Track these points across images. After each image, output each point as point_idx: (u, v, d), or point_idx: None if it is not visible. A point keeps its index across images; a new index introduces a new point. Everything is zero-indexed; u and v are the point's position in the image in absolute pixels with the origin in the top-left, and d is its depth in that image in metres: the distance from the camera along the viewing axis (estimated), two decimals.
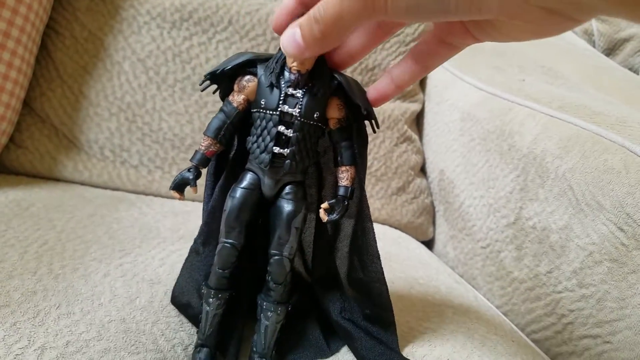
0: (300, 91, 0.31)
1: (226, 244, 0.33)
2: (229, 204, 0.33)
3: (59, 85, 0.62)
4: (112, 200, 0.56)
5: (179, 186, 0.33)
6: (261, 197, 0.33)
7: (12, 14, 0.52)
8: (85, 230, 0.46)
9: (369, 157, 0.73)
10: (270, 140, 0.31)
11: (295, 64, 0.30)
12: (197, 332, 0.34)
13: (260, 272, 0.35)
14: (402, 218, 0.75)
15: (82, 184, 0.60)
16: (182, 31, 0.66)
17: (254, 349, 0.34)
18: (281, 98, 0.31)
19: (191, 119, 0.65)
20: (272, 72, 0.31)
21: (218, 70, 0.32)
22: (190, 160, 0.33)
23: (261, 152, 0.32)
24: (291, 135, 0.31)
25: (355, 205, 0.35)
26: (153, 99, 0.64)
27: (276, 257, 0.33)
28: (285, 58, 0.31)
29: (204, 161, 0.33)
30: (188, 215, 0.57)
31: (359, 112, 0.32)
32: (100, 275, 0.38)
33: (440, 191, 0.77)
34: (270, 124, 0.31)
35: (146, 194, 0.62)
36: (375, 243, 0.36)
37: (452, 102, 0.76)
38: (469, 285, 0.61)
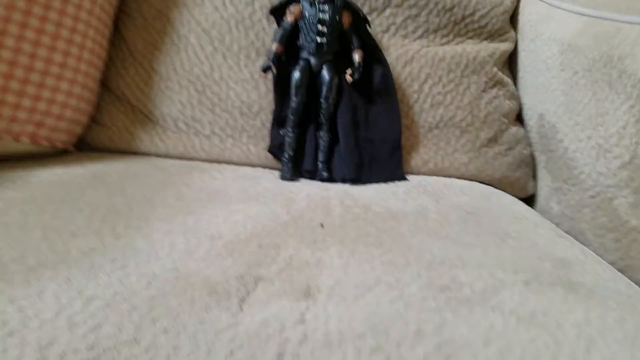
0: (327, 5, 0.58)
1: (294, 102, 0.59)
2: (293, 77, 0.59)
3: (132, 63, 0.64)
4: (186, 169, 0.56)
5: (265, 70, 0.58)
6: (310, 73, 0.59)
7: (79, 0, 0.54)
8: (154, 194, 0.46)
9: (452, 107, 0.67)
10: (315, 34, 0.58)
11: None
12: (285, 154, 0.60)
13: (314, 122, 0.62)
14: (494, 172, 0.67)
15: (159, 156, 0.62)
16: None
17: (320, 151, 0.61)
18: (318, 10, 0.58)
19: (257, 85, 0.63)
20: None
21: (277, 5, 0.60)
22: (268, 57, 0.59)
23: (309, 44, 0.59)
24: (325, 30, 0.58)
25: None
26: (220, 68, 0.64)
27: (324, 104, 0.60)
28: None
29: (277, 56, 0.58)
30: (258, 180, 0.56)
31: (359, 18, 0.61)
32: (161, 233, 0.38)
33: (540, 139, 0.68)
34: (313, 25, 0.58)
35: (219, 162, 0.62)
36: (392, 82, 0.64)
37: (549, 35, 0.66)
38: (575, 240, 0.52)
